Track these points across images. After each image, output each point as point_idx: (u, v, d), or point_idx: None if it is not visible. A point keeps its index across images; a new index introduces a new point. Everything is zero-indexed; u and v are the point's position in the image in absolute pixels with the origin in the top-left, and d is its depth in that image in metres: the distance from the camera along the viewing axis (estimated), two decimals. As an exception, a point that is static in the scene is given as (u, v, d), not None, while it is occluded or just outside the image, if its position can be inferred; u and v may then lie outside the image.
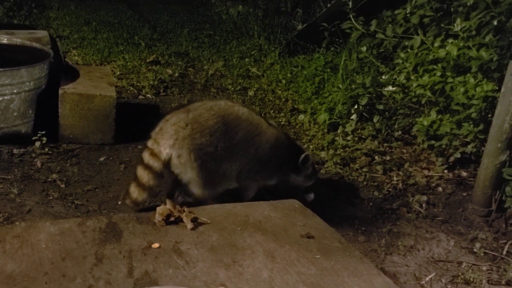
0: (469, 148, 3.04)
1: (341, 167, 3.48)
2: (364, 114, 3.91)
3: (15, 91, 3.22)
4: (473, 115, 2.94)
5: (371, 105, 3.86)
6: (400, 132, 3.64)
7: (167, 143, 2.44)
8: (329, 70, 4.78)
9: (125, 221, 1.93)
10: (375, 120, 3.74)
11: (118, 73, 4.80)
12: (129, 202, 2.61)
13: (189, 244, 1.83)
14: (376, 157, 3.58)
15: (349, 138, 3.80)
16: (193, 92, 4.71)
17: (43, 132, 3.31)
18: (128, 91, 4.49)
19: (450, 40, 3.20)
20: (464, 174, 3.32)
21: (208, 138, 2.48)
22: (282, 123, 4.15)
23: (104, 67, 4.04)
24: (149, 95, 4.48)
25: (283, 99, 4.61)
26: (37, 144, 3.27)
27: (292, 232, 2.00)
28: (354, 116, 3.84)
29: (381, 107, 3.73)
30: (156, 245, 1.80)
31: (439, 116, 3.22)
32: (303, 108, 4.36)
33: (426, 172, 3.41)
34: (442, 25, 3.31)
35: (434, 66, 3.20)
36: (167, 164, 2.44)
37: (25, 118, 3.35)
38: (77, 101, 3.37)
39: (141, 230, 1.88)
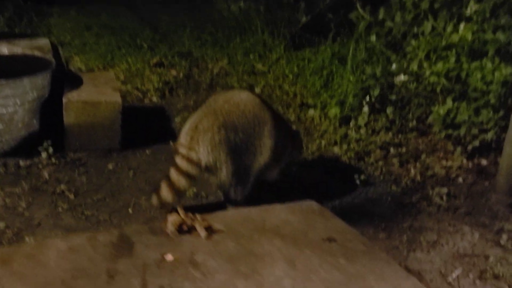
0: (489, 135, 2.93)
1: (356, 161, 3.37)
2: (376, 105, 3.80)
3: (18, 102, 3.15)
4: (492, 101, 2.83)
5: (383, 96, 3.75)
6: (415, 122, 3.53)
7: (205, 150, 2.56)
8: (336, 62, 4.67)
9: (137, 233, 1.85)
10: (388, 111, 3.64)
11: (122, 77, 4.71)
12: (157, 202, 2.61)
13: (205, 254, 1.74)
14: (391, 149, 3.48)
15: (362, 131, 3.70)
16: (198, 92, 4.62)
17: (49, 142, 3.23)
18: (133, 95, 4.41)
19: (463, 24, 3.08)
20: (484, 162, 3.21)
21: (241, 136, 2.63)
22: (292, 119, 4.04)
23: (108, 72, 3.96)
24: (154, 98, 4.40)
25: (291, 94, 4.50)
26: (44, 154, 3.20)
27: (312, 236, 1.91)
28: (366, 108, 3.73)
29: (393, 97, 3.62)
30: (170, 257, 1.71)
31: (456, 104, 3.10)
32: (312, 102, 4.25)
33: (444, 162, 3.30)
34: (454, 9, 3.19)
35: (448, 52, 3.08)
36: (206, 169, 2.57)
37: (30, 128, 3.28)
38: (81, 109, 3.29)
39: (154, 242, 1.80)
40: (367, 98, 3.68)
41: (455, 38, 3.09)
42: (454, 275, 2.34)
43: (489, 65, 2.84)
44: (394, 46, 3.71)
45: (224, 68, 5.21)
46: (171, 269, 1.65)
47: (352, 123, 3.79)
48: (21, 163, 3.15)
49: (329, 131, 3.77)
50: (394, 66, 3.54)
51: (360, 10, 3.73)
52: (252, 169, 2.71)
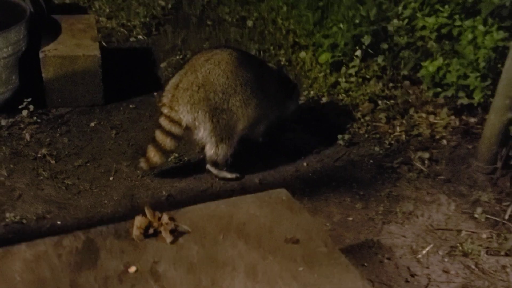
0: (475, 100, 2.84)
1: (343, 116, 3.32)
2: (369, 50, 3.65)
3: (-7, 60, 3.06)
4: (481, 65, 2.69)
5: (376, 43, 3.59)
6: (406, 72, 3.41)
7: (185, 109, 2.61)
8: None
9: (102, 236, 1.87)
10: (379, 60, 3.50)
11: (108, 10, 4.53)
12: (146, 166, 2.71)
13: (167, 263, 1.78)
14: (380, 102, 3.40)
15: (352, 79, 3.59)
16: (188, 28, 4.44)
17: (29, 100, 3.18)
18: (119, 33, 4.27)
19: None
20: (472, 120, 3.14)
21: (221, 96, 2.63)
22: (283, 62, 3.92)
23: (88, 16, 3.79)
24: (140, 36, 4.26)
25: (284, 32, 4.32)
26: (25, 112, 3.17)
27: (277, 234, 1.92)
28: (358, 53, 3.58)
29: (385, 46, 3.47)
30: (133, 268, 1.75)
31: (446, 61, 2.97)
32: (305, 42, 4.10)
33: (432, 118, 3.24)
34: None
35: (441, 8, 2.89)
36: (186, 128, 2.63)
37: (10, 85, 3.23)
38: (60, 64, 3.21)
39: (118, 248, 1.83)
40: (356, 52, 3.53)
41: (449, -11, 2.87)
42: (424, 252, 2.39)
43: (481, 27, 2.67)
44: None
45: (215, -6, 4.96)
46: (132, 283, 1.70)
47: (343, 70, 3.67)
48: (2, 122, 3.14)
49: (319, 80, 3.67)
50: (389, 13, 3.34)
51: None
52: (234, 130, 2.72)
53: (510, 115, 2.60)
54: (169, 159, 2.87)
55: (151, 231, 1.88)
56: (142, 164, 2.72)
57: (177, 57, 3.97)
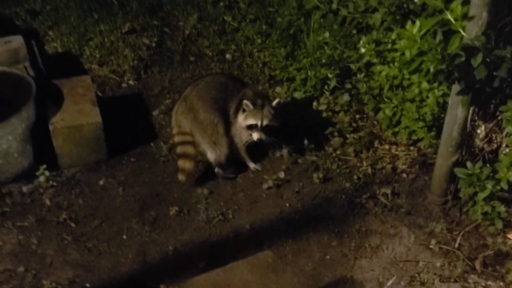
0: (423, 143, 3.35)
1: (317, 153, 3.81)
2: (337, 85, 4.11)
3: (10, 138, 3.51)
4: (427, 118, 3.19)
5: (341, 80, 4.06)
6: (370, 113, 3.89)
7: (185, 124, 3.53)
8: (302, 19, 4.84)
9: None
10: (345, 97, 3.98)
11: (98, 56, 4.93)
12: (183, 176, 3.50)
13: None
14: (348, 136, 3.89)
15: (324, 115, 4.07)
16: (172, 66, 4.87)
17: (45, 166, 3.65)
18: (111, 80, 4.68)
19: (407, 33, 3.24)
20: (428, 150, 3.63)
21: (203, 115, 3.52)
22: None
23: (85, 78, 4.19)
24: (131, 82, 4.67)
25: (260, 64, 4.76)
26: (42, 178, 3.64)
27: (266, 299, 2.46)
28: (327, 94, 4.07)
29: (349, 86, 3.95)
30: None
31: (400, 107, 3.45)
32: (279, 76, 4.55)
33: (394, 149, 3.74)
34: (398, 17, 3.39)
35: (392, 58, 3.34)
36: (193, 135, 3.54)
37: (25, 153, 3.67)
38: (67, 133, 3.66)
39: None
40: (326, 86, 4.00)
41: (398, 46, 3.33)
42: (389, 283, 2.94)
43: (425, 84, 3.15)
44: (348, 36, 3.92)
45: (195, 28, 5.36)
46: None
47: (314, 105, 4.15)
48: (24, 189, 3.61)
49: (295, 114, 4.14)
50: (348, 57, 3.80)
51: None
52: (219, 135, 3.54)
53: (453, 159, 3.11)
54: (171, 213, 3.39)
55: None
56: (181, 177, 3.50)
57: (166, 101, 4.42)
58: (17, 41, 4.37)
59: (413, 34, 2.72)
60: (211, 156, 3.58)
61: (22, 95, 3.72)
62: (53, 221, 3.39)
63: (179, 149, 3.52)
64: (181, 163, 3.48)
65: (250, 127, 3.51)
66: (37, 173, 3.64)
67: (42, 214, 3.44)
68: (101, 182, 3.69)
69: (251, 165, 3.73)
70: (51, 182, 3.64)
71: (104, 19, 5.42)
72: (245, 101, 3.47)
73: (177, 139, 3.55)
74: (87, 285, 3.01)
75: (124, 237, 3.30)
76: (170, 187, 3.65)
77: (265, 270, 2.61)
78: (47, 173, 3.65)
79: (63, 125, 3.65)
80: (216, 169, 3.61)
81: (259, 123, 3.47)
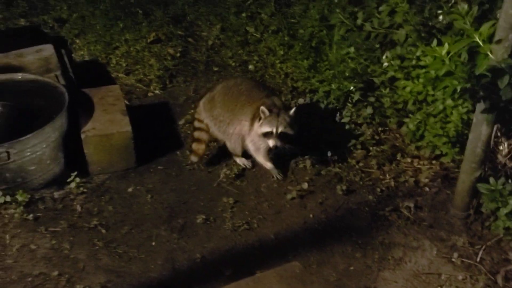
0: (447, 159, 3.43)
1: (340, 164, 3.89)
2: (360, 98, 4.20)
3: (44, 145, 3.63)
4: (451, 134, 3.26)
5: (364, 92, 4.14)
6: (393, 126, 3.97)
7: (203, 114, 3.92)
8: (325, 31, 4.93)
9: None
10: (368, 110, 4.06)
11: (124, 65, 5.05)
12: (196, 157, 3.89)
13: None
14: (371, 148, 3.97)
15: (346, 127, 4.16)
16: (197, 76, 4.98)
17: (76, 173, 3.77)
18: (138, 89, 4.81)
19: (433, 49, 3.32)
20: (451, 165, 3.70)
21: (218, 110, 3.84)
22: (284, 110, 4.46)
23: (114, 87, 4.31)
24: (157, 91, 4.80)
25: (282, 75, 4.86)
26: (73, 185, 3.75)
27: (296, 308, 2.54)
28: (349, 106, 4.15)
29: (373, 99, 4.03)
30: None
31: (424, 122, 3.53)
32: (302, 87, 4.65)
33: (416, 163, 3.82)
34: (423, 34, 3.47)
35: (418, 74, 3.43)
36: (207, 125, 3.92)
37: (57, 160, 3.80)
38: (98, 141, 3.78)
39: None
40: (349, 99, 4.09)
41: (423, 63, 3.41)
42: (412, 295, 3.02)
43: (449, 101, 3.23)
44: (371, 51, 4.01)
45: (218, 38, 5.47)
46: None
47: (337, 117, 4.23)
48: (55, 195, 3.73)
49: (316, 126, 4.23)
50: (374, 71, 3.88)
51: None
52: (228, 133, 3.83)
53: (476, 174, 3.19)
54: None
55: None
56: (193, 158, 3.88)
57: (191, 110, 4.53)
58: (48, 50, 4.52)
59: (441, 55, 2.80)
60: (228, 144, 3.88)
61: (54, 104, 3.86)
62: (84, 227, 3.49)
63: (195, 134, 3.89)
64: (195, 146, 3.86)
65: (266, 135, 3.57)
66: (68, 180, 3.75)
67: (74, 220, 3.55)
68: (130, 189, 3.80)
69: (269, 167, 3.85)
70: (81, 188, 3.76)
71: (129, 28, 5.56)
72: (261, 108, 3.54)
73: (195, 124, 3.92)
74: (119, 290, 3.12)
75: (153, 243, 3.40)
76: (197, 195, 3.75)
77: (293, 281, 2.69)
78: (78, 179, 3.77)
79: (95, 133, 3.77)
80: (233, 156, 3.91)
81: (274, 130, 3.52)
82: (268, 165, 3.81)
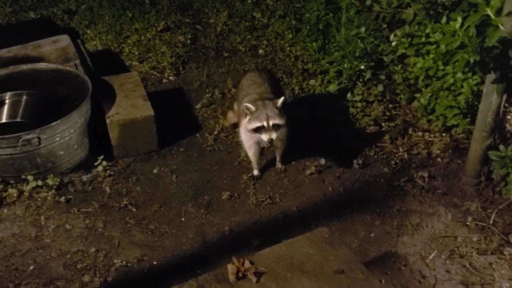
0: (459, 130, 3.61)
1: (355, 141, 4.07)
2: (370, 76, 4.37)
3: (71, 130, 3.78)
4: (462, 105, 3.45)
5: (374, 71, 4.32)
6: (404, 102, 4.16)
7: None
8: (331, 14, 5.09)
9: (208, 282, 2.67)
10: (379, 88, 4.24)
11: (137, 53, 5.19)
12: (226, 123, 4.19)
13: (258, 300, 2.59)
14: (383, 124, 4.16)
15: (358, 105, 4.34)
16: (208, 62, 5.14)
17: (102, 157, 3.93)
18: (152, 76, 4.96)
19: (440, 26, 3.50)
20: (460, 136, 3.89)
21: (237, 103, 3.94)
22: (296, 91, 4.64)
23: (132, 74, 4.46)
24: (171, 77, 4.95)
25: (292, 58, 5.02)
26: (100, 168, 3.91)
27: (326, 268, 2.72)
28: (360, 85, 4.33)
29: (383, 77, 4.21)
30: (236, 307, 2.55)
31: (435, 95, 3.71)
32: (312, 69, 4.81)
33: (427, 136, 4.00)
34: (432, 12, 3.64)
35: (428, 48, 3.60)
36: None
37: (83, 145, 3.96)
38: (123, 126, 3.93)
39: (222, 291, 2.63)
40: (360, 78, 4.26)
41: (433, 39, 3.59)
42: (430, 257, 3.21)
43: (459, 74, 3.42)
44: (379, 30, 4.18)
45: (226, 24, 5.62)
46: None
47: (349, 96, 4.41)
48: (84, 178, 3.89)
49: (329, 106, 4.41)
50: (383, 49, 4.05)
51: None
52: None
53: (487, 143, 3.38)
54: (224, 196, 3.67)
55: (240, 274, 2.68)
56: (224, 122, 4.20)
57: (207, 95, 4.68)
58: (65, 40, 4.64)
59: (455, 28, 2.97)
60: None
61: (76, 91, 4.01)
62: (115, 207, 3.66)
63: (235, 106, 4.06)
64: (229, 115, 4.13)
65: (257, 130, 3.39)
66: (95, 164, 3.91)
67: (104, 201, 3.71)
68: (155, 171, 3.96)
69: (253, 163, 3.82)
70: (108, 171, 3.92)
71: (138, 17, 5.69)
72: (245, 104, 3.39)
73: (235, 106, 4.10)
74: (154, 262, 3.29)
75: (183, 219, 3.57)
76: (219, 174, 3.92)
77: (323, 244, 2.87)
78: (104, 163, 3.93)
79: (119, 118, 3.93)
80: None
81: (265, 124, 3.35)
82: (253, 162, 3.80)
